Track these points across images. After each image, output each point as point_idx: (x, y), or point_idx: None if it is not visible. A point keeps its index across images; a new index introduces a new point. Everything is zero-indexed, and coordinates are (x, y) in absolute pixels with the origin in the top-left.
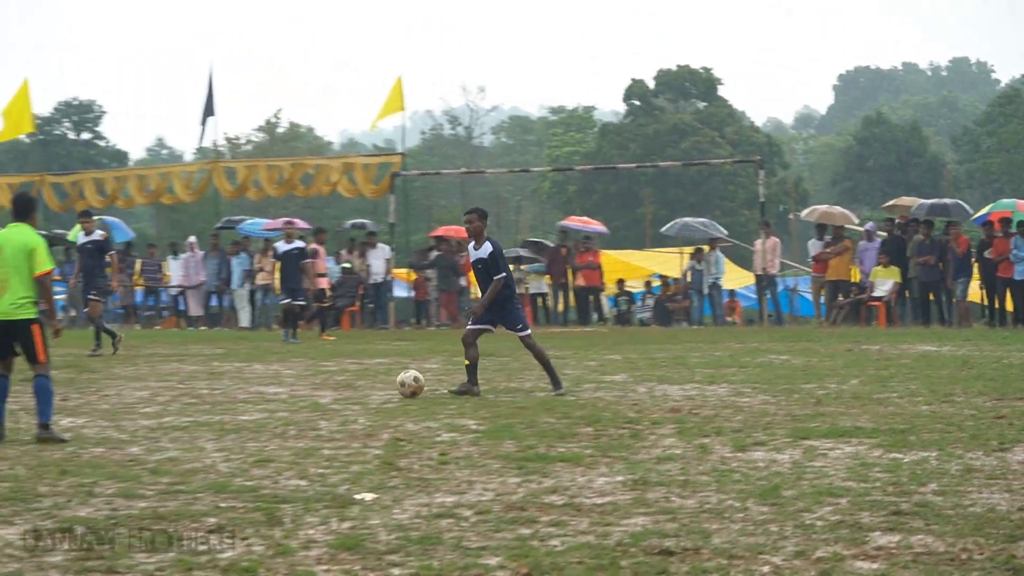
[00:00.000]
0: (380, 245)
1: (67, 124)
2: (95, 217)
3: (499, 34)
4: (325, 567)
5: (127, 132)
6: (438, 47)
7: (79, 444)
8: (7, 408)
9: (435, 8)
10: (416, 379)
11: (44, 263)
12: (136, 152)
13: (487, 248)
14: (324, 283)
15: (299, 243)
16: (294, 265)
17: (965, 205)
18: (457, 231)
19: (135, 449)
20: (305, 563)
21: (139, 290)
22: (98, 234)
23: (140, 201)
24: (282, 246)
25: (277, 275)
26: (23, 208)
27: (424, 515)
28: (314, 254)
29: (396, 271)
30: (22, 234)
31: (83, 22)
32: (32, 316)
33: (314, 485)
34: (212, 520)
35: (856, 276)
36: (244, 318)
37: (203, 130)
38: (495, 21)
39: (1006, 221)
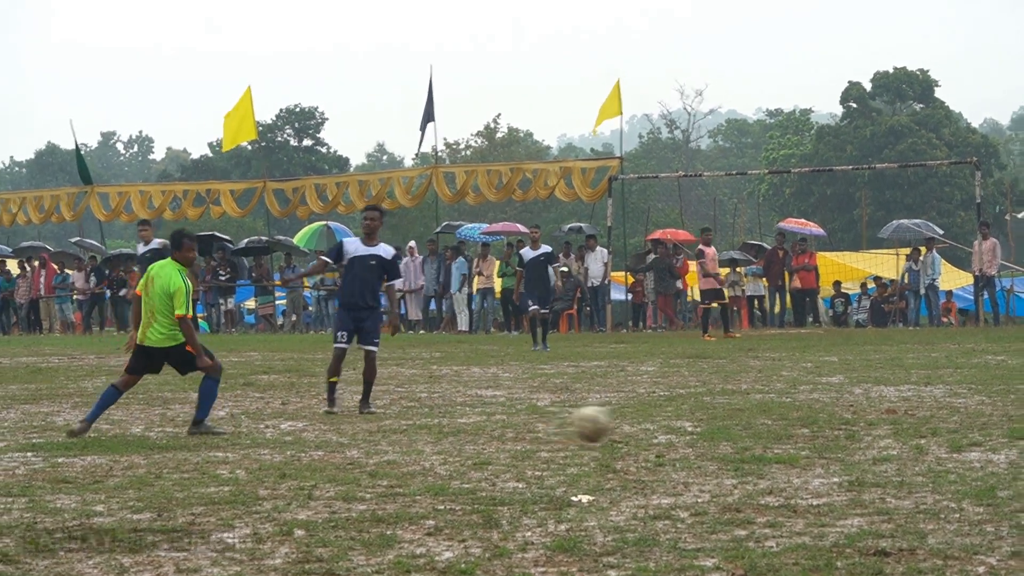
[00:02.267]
0: (598, 248)
1: (289, 131)
2: (322, 223)
3: (717, 37)
4: (542, 569)
5: (348, 138)
6: (657, 50)
7: (299, 447)
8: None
9: (654, 11)
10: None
11: (180, 307)
12: (356, 158)
13: (390, 250)
14: (715, 283)
15: (545, 248)
16: (541, 271)
17: None
18: (674, 234)
19: (354, 452)
20: (522, 565)
21: None
22: (156, 242)
23: (360, 206)
24: (528, 252)
25: (497, 280)
26: (175, 244)
27: (640, 517)
28: (700, 255)
29: (614, 274)
30: (168, 274)
31: (304, 29)
32: (177, 343)
33: (531, 487)
34: (430, 522)
35: None
36: (463, 322)
37: (423, 135)
38: (713, 24)
39: None
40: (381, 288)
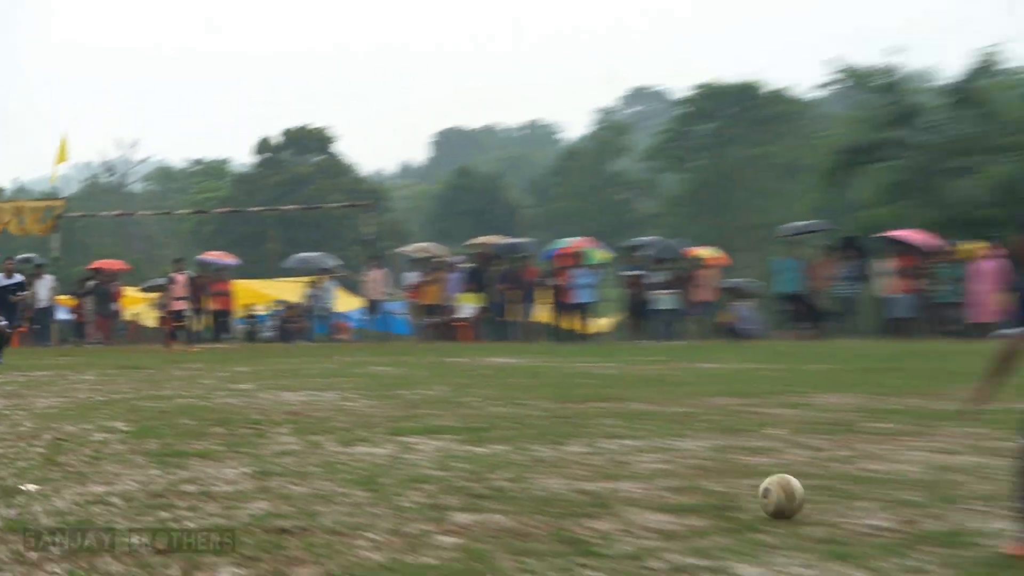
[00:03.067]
0: (45, 276)
1: None
2: None
3: (149, 92)
4: None
5: None
6: (97, 104)
7: None
8: None
9: (95, 67)
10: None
11: None
12: None
13: None
14: (181, 305)
15: (19, 277)
16: (10, 297)
17: (535, 243)
18: (111, 264)
19: None
20: None
21: None
22: None
23: None
24: (1, 280)
25: None
26: None
27: (79, 503)
28: (172, 280)
29: (60, 298)
30: None
31: None
32: None
33: None
34: None
35: (444, 301)
36: None
37: None
38: (146, 81)
39: (570, 255)
40: None
